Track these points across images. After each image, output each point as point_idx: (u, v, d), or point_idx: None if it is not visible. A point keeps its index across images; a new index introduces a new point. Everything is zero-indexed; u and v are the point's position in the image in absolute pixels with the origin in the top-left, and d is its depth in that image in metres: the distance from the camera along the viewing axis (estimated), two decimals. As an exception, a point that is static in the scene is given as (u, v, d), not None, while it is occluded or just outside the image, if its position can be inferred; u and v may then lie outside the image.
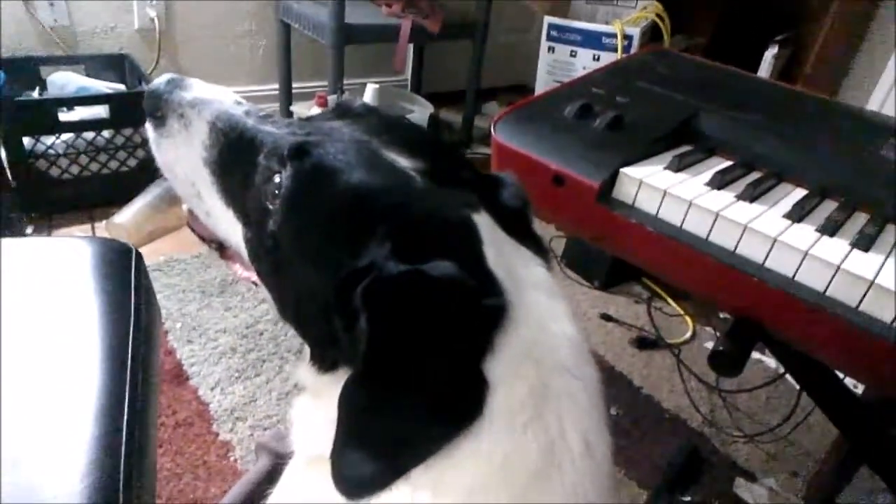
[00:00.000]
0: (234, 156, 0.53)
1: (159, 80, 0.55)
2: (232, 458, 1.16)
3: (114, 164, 1.77)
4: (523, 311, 0.44)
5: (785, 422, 1.33)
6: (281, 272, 0.50)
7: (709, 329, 1.71)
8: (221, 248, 0.60)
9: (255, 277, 0.56)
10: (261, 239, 0.50)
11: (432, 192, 0.47)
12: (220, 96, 0.55)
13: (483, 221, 0.46)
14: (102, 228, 1.70)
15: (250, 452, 1.17)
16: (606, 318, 1.71)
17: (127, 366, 0.53)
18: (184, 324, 1.44)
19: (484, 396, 0.40)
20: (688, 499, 1.23)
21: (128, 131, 1.76)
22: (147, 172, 1.79)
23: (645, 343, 1.63)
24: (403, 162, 0.48)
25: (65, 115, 1.67)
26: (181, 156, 0.55)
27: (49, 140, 1.66)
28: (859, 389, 1.10)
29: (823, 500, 1.17)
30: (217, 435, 1.19)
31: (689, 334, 1.68)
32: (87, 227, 1.72)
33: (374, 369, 0.41)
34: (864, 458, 0.96)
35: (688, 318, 1.73)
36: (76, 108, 1.69)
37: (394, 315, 0.41)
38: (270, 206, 0.48)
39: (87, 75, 1.90)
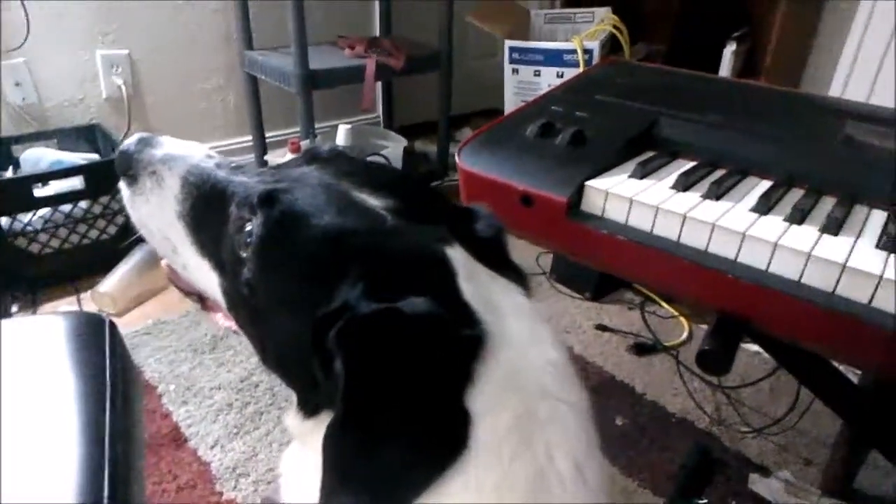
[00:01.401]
0: (207, 207, 0.54)
1: (130, 141, 0.57)
2: (238, 517, 1.14)
3: (94, 234, 1.77)
4: (502, 339, 0.43)
5: (791, 411, 1.32)
6: (258, 319, 0.50)
7: (704, 327, 1.70)
8: (203, 300, 0.61)
9: (234, 326, 0.56)
10: (236, 288, 0.50)
11: (404, 229, 0.47)
12: (190, 151, 0.57)
13: (456, 255, 0.46)
14: (89, 299, 1.69)
15: (256, 509, 1.15)
16: (602, 328, 1.70)
17: (105, 440, 0.52)
18: (178, 385, 1.43)
19: (468, 429, 0.40)
20: (704, 501, 1.21)
21: (105, 199, 1.76)
22: (128, 238, 1.79)
23: (643, 349, 1.62)
24: (373, 202, 0.48)
25: (40, 191, 1.67)
26: (155, 212, 0.56)
27: (26, 217, 1.66)
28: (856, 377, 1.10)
29: (840, 488, 1.16)
30: (221, 494, 1.17)
31: (685, 335, 1.67)
32: (73, 298, 1.71)
33: (353, 411, 0.40)
34: (870, 442, 0.95)
35: (682, 319, 1.73)
36: (50, 182, 1.70)
37: (369, 355, 0.40)
38: (244, 255, 0.49)
39: (61, 148, 1.92)
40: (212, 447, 1.27)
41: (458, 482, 0.39)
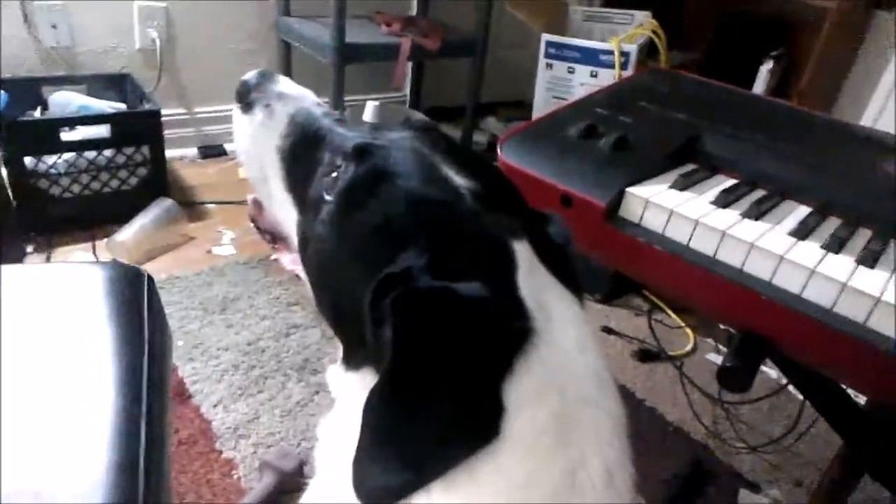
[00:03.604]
0: (305, 148, 0.57)
1: (252, 73, 0.61)
2: (235, 476, 1.15)
3: (115, 183, 1.78)
4: (549, 339, 0.44)
5: (788, 433, 1.34)
6: (323, 263, 0.52)
7: (710, 341, 1.72)
8: (274, 241, 0.65)
9: (298, 271, 0.58)
10: (312, 227, 0.53)
11: (479, 212, 0.48)
12: (304, 94, 0.61)
13: (522, 250, 0.47)
14: (103, 247, 1.70)
15: (254, 470, 1.16)
16: (608, 331, 1.71)
17: (142, 392, 0.53)
18: (185, 342, 1.44)
19: (500, 417, 0.41)
20: (693, 512, 1.23)
21: (129, 150, 1.76)
22: (148, 191, 1.81)
23: (647, 355, 1.63)
24: (458, 180, 0.49)
25: (66, 135, 1.68)
26: (259, 141, 0.60)
27: (51, 159, 1.66)
28: (861, 399, 1.11)
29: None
30: (220, 453, 1.19)
31: (690, 346, 1.68)
32: (89, 245, 1.72)
33: (396, 379, 0.41)
34: (866, 466, 0.96)
35: (688, 330, 1.74)
36: (78, 127, 1.70)
37: (419, 329, 0.41)
38: (327, 198, 0.51)
39: (89, 95, 1.91)
40: (215, 406, 1.29)
41: (490, 467, 0.40)
